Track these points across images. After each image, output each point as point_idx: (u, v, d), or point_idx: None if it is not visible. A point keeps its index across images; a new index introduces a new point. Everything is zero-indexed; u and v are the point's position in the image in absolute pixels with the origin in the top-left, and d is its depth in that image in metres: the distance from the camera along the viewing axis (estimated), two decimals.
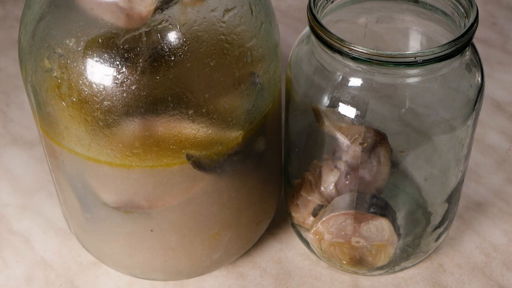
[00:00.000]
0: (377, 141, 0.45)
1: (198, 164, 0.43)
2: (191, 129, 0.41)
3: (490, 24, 0.81)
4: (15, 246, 0.56)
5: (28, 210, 0.60)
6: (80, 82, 0.39)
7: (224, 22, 0.40)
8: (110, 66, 0.38)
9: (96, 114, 0.40)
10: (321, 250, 0.50)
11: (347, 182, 0.47)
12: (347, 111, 0.44)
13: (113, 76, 0.38)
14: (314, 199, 0.50)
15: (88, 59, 0.38)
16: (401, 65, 0.40)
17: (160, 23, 0.38)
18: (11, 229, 0.58)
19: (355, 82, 0.43)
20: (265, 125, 0.46)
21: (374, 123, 0.44)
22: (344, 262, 0.50)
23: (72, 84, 0.39)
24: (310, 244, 0.52)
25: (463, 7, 0.43)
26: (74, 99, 0.40)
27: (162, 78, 0.39)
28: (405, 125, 0.44)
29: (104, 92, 0.39)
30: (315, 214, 0.51)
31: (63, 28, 0.39)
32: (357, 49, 0.40)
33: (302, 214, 0.52)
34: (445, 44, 0.40)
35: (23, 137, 0.67)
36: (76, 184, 0.46)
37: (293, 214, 0.53)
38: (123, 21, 0.38)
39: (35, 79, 0.41)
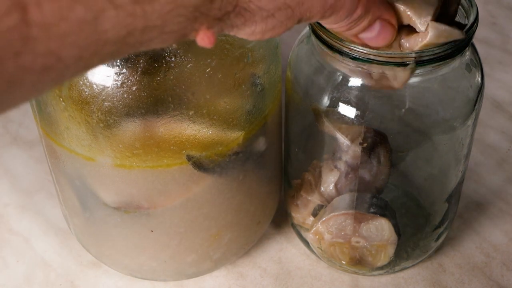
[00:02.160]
0: (377, 141, 0.45)
1: (198, 165, 0.43)
2: (191, 130, 0.41)
3: (490, 24, 0.81)
4: (15, 246, 0.56)
5: (28, 210, 0.60)
6: (81, 82, 0.39)
7: None
8: (110, 67, 0.38)
9: (96, 114, 0.40)
10: (321, 250, 0.50)
11: (347, 182, 0.47)
12: (347, 111, 0.44)
13: (114, 77, 0.38)
14: (314, 199, 0.50)
15: None
16: (401, 65, 0.40)
17: None
18: (11, 229, 0.58)
19: (355, 82, 0.43)
20: (266, 126, 0.46)
21: (374, 123, 0.44)
22: (344, 262, 0.50)
23: (73, 84, 0.39)
24: (310, 244, 0.52)
25: (463, 7, 0.43)
26: (75, 100, 0.40)
27: (163, 79, 0.39)
28: (405, 125, 0.44)
29: (104, 92, 0.39)
30: (315, 214, 0.51)
31: None
32: (357, 49, 0.40)
33: (302, 214, 0.52)
34: (445, 44, 0.40)
35: (23, 137, 0.67)
36: (76, 184, 0.46)
37: (293, 214, 0.53)
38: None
39: None
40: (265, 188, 0.50)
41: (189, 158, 0.42)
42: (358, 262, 0.50)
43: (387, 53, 0.40)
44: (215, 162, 0.43)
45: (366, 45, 0.39)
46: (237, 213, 0.48)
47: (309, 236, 0.50)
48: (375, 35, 0.38)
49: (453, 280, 0.53)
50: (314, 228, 0.49)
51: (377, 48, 0.39)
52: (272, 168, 0.50)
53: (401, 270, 0.53)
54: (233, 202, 0.47)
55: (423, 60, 0.40)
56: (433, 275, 0.53)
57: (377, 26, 0.38)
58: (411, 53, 0.40)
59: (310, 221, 0.51)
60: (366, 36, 0.38)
